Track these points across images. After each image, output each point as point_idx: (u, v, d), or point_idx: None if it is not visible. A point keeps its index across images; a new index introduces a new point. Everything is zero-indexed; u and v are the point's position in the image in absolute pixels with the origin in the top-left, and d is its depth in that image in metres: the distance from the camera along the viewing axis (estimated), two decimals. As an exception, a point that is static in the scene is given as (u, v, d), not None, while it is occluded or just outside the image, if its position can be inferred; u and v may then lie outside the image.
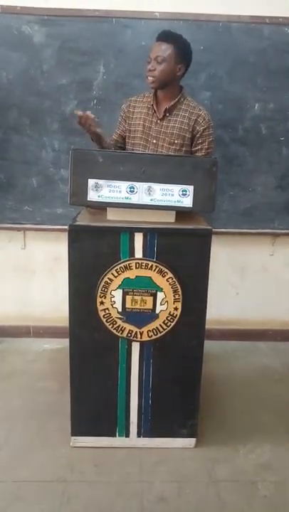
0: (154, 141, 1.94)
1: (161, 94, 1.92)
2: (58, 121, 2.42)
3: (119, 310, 1.63)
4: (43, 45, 2.33)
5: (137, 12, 2.30)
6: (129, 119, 1.99)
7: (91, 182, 1.55)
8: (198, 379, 1.73)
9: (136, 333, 1.65)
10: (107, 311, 1.63)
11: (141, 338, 1.66)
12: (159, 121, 1.93)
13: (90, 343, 1.67)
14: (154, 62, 1.82)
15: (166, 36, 1.83)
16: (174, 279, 1.61)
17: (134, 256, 1.60)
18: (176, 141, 1.91)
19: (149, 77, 1.85)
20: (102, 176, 1.55)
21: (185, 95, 1.94)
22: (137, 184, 1.55)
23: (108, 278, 1.60)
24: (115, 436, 1.78)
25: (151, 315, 1.64)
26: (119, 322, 1.64)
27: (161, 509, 1.52)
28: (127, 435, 1.78)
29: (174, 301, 1.63)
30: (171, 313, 1.64)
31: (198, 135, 1.92)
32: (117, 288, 1.61)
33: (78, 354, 1.69)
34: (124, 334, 1.66)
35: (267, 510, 1.53)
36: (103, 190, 1.56)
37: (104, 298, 1.62)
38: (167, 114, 1.92)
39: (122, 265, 1.59)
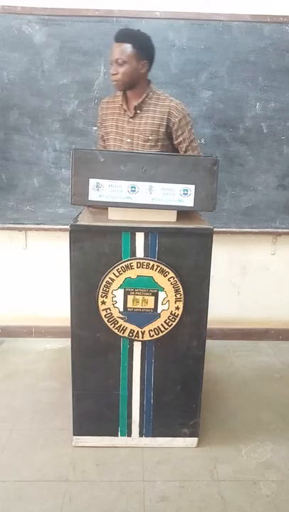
0: (129, 140, 1.92)
1: (130, 92, 1.90)
2: (59, 121, 2.42)
3: (121, 310, 1.63)
4: (43, 45, 2.34)
5: (138, 12, 2.30)
6: (104, 121, 1.99)
7: (92, 182, 1.55)
8: (199, 378, 1.73)
9: (137, 332, 1.65)
10: (108, 311, 1.63)
11: (142, 337, 1.66)
12: (130, 120, 1.91)
13: (92, 342, 1.67)
14: (115, 65, 1.80)
15: (122, 36, 1.80)
16: (176, 279, 1.61)
17: (135, 256, 1.60)
18: (150, 137, 1.88)
19: (113, 81, 1.84)
20: (104, 175, 1.55)
21: (153, 89, 1.91)
22: (138, 184, 1.55)
23: (109, 278, 1.60)
24: (117, 435, 1.78)
25: (152, 315, 1.64)
26: (120, 322, 1.64)
27: (163, 508, 1.52)
28: (129, 435, 1.78)
29: (176, 301, 1.63)
30: (173, 312, 1.64)
31: (175, 127, 1.88)
32: (119, 288, 1.61)
33: (80, 354, 1.69)
34: (126, 334, 1.66)
35: (269, 510, 1.53)
36: (104, 190, 1.56)
37: (106, 298, 1.62)
38: (138, 111, 1.89)
39: (123, 265, 1.59)
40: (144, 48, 1.82)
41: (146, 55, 1.83)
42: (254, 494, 1.59)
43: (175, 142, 1.92)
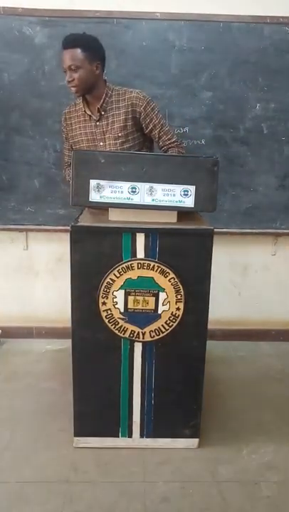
0: (102, 144, 1.91)
1: (89, 96, 1.90)
2: (60, 122, 2.41)
3: (122, 310, 1.63)
4: (44, 46, 2.34)
5: (138, 13, 2.30)
6: (70, 131, 1.98)
7: (93, 183, 1.55)
8: (200, 379, 1.72)
9: (138, 333, 1.65)
10: (109, 312, 1.63)
11: (143, 338, 1.66)
12: (98, 123, 1.90)
13: (93, 343, 1.67)
14: (69, 72, 1.80)
15: (70, 42, 1.79)
16: (176, 280, 1.61)
17: (136, 256, 1.60)
18: (119, 134, 1.88)
19: (71, 88, 1.84)
20: (104, 176, 1.55)
21: (111, 87, 1.90)
22: (138, 184, 1.55)
23: (110, 278, 1.60)
24: (118, 436, 1.78)
25: (153, 315, 1.64)
26: (121, 322, 1.64)
27: (164, 509, 1.52)
28: (130, 436, 1.78)
29: (176, 302, 1.63)
30: (174, 313, 1.64)
31: (142, 116, 1.87)
32: (119, 288, 1.61)
33: (81, 355, 1.69)
34: (127, 334, 1.66)
35: (270, 511, 1.53)
36: (105, 191, 1.56)
37: (107, 298, 1.62)
38: (103, 113, 1.89)
39: (124, 266, 1.60)
40: (93, 49, 1.82)
41: (97, 56, 1.83)
42: (255, 495, 1.59)
43: (146, 131, 1.91)
